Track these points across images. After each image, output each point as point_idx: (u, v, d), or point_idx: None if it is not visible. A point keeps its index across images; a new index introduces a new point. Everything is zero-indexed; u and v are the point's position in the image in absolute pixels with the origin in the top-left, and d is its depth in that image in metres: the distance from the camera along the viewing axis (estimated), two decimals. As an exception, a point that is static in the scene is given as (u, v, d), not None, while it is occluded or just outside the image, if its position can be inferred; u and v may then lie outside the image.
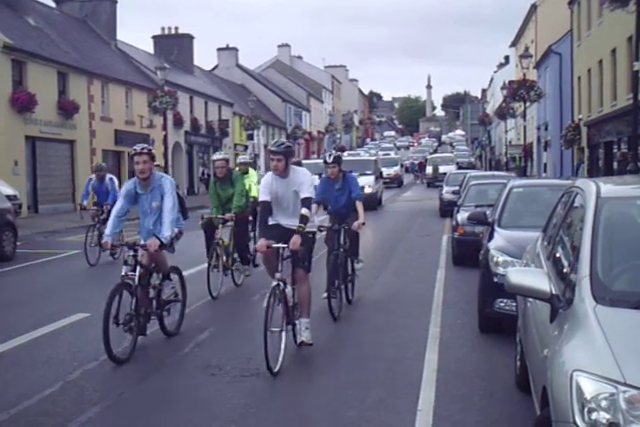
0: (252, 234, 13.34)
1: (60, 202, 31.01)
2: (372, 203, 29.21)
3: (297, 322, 7.70)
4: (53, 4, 40.80)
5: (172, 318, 8.57)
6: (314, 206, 8.55)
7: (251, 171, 14.49)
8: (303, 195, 7.54)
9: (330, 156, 10.05)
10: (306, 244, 7.49)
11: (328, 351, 7.89)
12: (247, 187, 13.00)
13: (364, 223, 9.95)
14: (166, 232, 7.75)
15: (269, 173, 7.83)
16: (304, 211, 7.39)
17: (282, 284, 7.24)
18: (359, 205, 9.97)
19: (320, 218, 12.68)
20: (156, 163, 19.93)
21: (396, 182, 47.83)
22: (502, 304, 7.96)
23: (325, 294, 9.36)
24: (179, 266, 8.97)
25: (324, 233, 10.09)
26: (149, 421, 5.89)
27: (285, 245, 7.33)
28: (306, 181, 7.66)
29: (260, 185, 7.84)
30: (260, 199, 7.76)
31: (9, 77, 28.00)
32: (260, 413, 5.98)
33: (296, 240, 7.23)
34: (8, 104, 27.63)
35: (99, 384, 6.75)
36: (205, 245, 11.76)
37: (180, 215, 8.27)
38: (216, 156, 11.77)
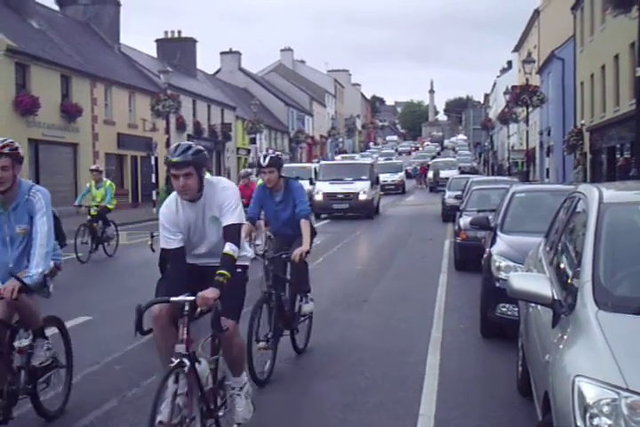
0: None
1: (63, 205, 30.76)
2: (368, 211, 28.18)
3: (227, 396, 5.26)
4: (57, 8, 40.90)
5: (53, 391, 6.00)
6: (245, 226, 6.61)
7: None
8: (227, 221, 4.99)
9: (265, 157, 7.51)
10: (234, 283, 4.95)
11: (329, 355, 7.89)
12: None
13: (308, 252, 7.29)
14: (36, 269, 5.22)
15: (172, 197, 5.21)
16: (228, 248, 4.87)
17: (187, 361, 4.59)
18: (304, 226, 7.40)
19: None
20: (94, 167, 17.55)
21: (399, 189, 46.82)
22: (504, 309, 7.97)
23: (262, 344, 6.88)
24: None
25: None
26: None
27: (191, 299, 4.70)
28: (229, 199, 5.06)
29: (160, 219, 5.19)
30: (166, 246, 5.14)
31: (12, 80, 28.07)
32: (260, 417, 5.98)
33: (208, 295, 4.65)
34: (11, 107, 27.69)
35: (100, 387, 6.75)
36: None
37: (56, 243, 5.81)
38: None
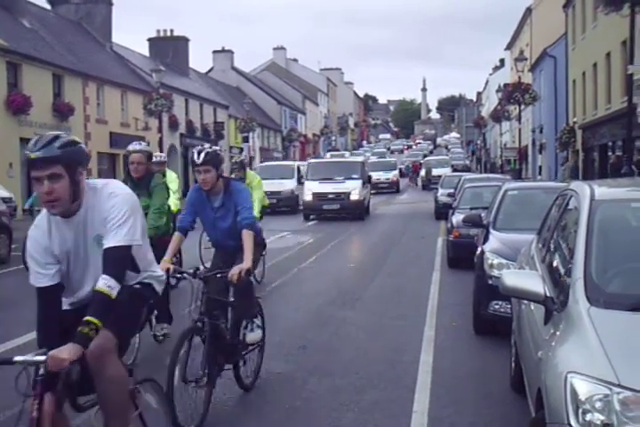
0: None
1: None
2: (360, 211, 26.89)
3: None
4: (48, 7, 40.81)
5: None
6: (176, 237, 6.25)
7: (169, 173, 10.92)
8: (108, 243, 3.67)
9: (200, 153, 6.14)
10: (124, 296, 3.73)
11: (323, 354, 7.90)
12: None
13: (249, 271, 5.92)
14: None
15: (42, 216, 3.85)
16: (101, 284, 3.57)
17: None
18: (246, 237, 6.04)
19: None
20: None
21: (394, 188, 45.84)
22: (497, 306, 7.98)
23: (193, 384, 5.53)
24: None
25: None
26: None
27: (41, 359, 3.45)
28: (116, 210, 3.71)
29: (27, 243, 3.91)
30: (34, 283, 3.77)
31: (4, 80, 28.02)
32: (256, 415, 5.98)
33: (62, 355, 3.38)
34: (3, 106, 27.64)
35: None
36: None
37: None
38: (132, 146, 8.09)
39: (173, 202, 10.32)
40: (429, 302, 10.55)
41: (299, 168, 32.41)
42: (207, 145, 6.41)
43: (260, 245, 6.50)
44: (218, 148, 6.45)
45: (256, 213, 10.85)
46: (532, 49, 47.28)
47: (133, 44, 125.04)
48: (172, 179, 10.79)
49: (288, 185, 30.41)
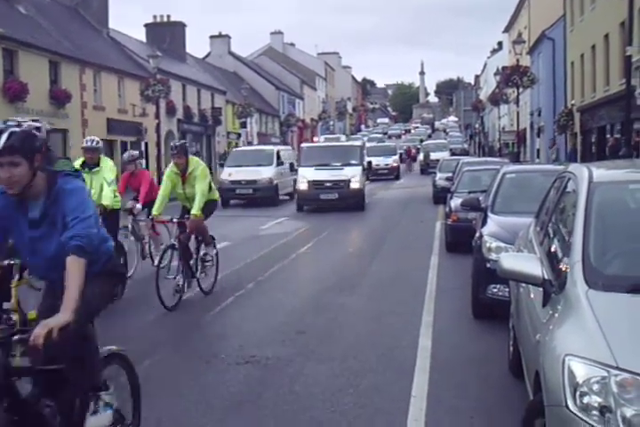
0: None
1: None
2: (359, 201, 24.51)
3: None
4: (44, -7, 40.61)
5: None
6: None
7: (105, 160, 9.61)
8: None
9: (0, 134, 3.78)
10: None
11: (322, 339, 7.91)
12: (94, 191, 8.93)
13: (67, 327, 3.59)
14: None
15: None
16: None
17: None
18: (72, 267, 3.77)
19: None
20: None
21: (393, 174, 43.93)
22: (495, 290, 7.98)
23: None
24: None
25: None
26: (146, 408, 5.89)
27: None
28: None
29: None
30: None
31: (0, 67, 27.89)
32: (255, 400, 5.99)
33: None
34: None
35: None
36: None
37: None
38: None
39: (107, 197, 9.10)
40: (428, 287, 10.56)
41: (278, 154, 29.27)
42: (13, 120, 4.18)
43: (112, 275, 4.30)
44: (38, 124, 4.22)
45: (196, 210, 9.49)
46: (531, 31, 47.09)
47: (130, 30, 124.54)
48: (109, 168, 9.37)
49: (265, 173, 27.50)
